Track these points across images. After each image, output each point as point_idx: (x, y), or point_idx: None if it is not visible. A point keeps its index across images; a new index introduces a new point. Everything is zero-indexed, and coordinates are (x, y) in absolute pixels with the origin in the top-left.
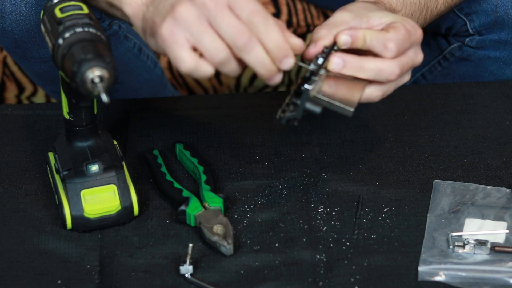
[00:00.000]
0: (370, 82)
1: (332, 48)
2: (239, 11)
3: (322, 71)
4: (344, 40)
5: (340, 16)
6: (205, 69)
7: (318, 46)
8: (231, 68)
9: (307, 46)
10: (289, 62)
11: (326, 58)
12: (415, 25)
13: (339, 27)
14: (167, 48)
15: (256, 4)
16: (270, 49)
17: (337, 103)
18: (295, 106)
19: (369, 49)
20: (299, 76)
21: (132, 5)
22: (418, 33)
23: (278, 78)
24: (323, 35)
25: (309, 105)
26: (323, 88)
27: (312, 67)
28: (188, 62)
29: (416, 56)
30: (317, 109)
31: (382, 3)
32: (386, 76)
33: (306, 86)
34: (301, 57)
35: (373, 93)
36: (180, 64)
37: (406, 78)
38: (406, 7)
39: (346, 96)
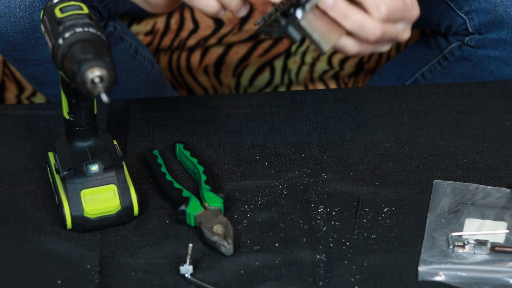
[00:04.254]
0: (348, 33)
1: None
2: None
3: (313, 1)
4: None
5: None
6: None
7: None
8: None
9: None
10: None
11: None
12: (415, 2)
13: None
14: None
15: None
16: None
17: (318, 38)
18: (278, 25)
19: (361, 2)
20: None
21: None
22: (415, 12)
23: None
24: None
25: (291, 30)
26: (308, 17)
27: None
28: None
29: (404, 32)
30: (297, 36)
31: None
32: (366, 34)
33: (298, 12)
34: None
35: (349, 45)
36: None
37: (385, 48)
38: None
39: (325, 35)
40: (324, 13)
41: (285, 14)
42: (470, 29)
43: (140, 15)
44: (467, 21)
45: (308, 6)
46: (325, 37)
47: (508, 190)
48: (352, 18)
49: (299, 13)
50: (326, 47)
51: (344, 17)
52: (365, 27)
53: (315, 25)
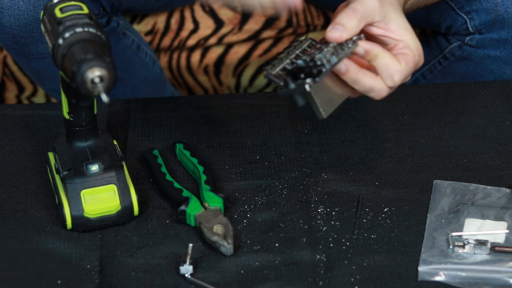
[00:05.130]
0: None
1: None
2: None
3: (327, 66)
4: (358, 50)
5: (370, 4)
6: None
7: (344, 36)
8: None
9: (330, 26)
10: None
11: (337, 55)
12: (422, 53)
13: (368, 18)
14: None
15: None
16: None
17: (318, 104)
18: (285, 84)
19: (375, 67)
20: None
21: None
22: (421, 62)
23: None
24: (352, 27)
25: (297, 96)
26: (315, 86)
27: (318, 57)
28: None
29: (407, 78)
30: (301, 102)
31: None
32: (374, 94)
33: (307, 85)
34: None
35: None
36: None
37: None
38: None
39: (328, 100)
40: (333, 73)
41: (294, 75)
42: (470, 29)
43: (142, 12)
44: (468, 21)
45: (319, 79)
46: (327, 103)
47: (508, 190)
48: (362, 83)
49: (307, 86)
50: (325, 114)
51: (354, 82)
52: (374, 90)
53: (320, 93)
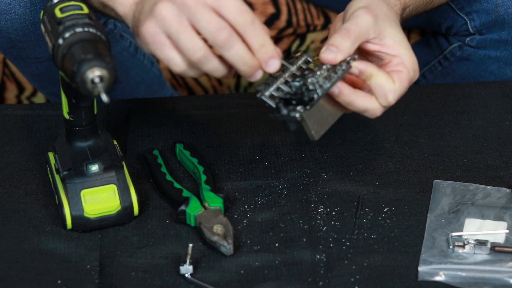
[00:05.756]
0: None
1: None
2: (225, 11)
3: (320, 92)
4: (352, 70)
5: (364, 22)
6: (194, 72)
7: (338, 58)
8: (213, 66)
9: (324, 47)
10: (275, 64)
11: (330, 80)
12: (417, 67)
13: (362, 37)
14: (155, 50)
15: (243, 5)
16: (255, 49)
17: (310, 127)
18: (278, 110)
19: (369, 86)
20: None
21: (124, 4)
22: (416, 76)
23: (259, 75)
24: (346, 48)
25: (289, 122)
26: (307, 112)
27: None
28: (180, 64)
29: (401, 95)
30: (292, 127)
31: (401, 1)
32: (368, 114)
33: (297, 114)
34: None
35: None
36: (171, 65)
37: None
38: (415, 2)
39: (320, 121)
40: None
41: (286, 101)
42: (471, 30)
43: None
44: (468, 21)
45: (310, 107)
46: (319, 124)
47: (508, 190)
48: (356, 104)
49: (298, 115)
50: (317, 136)
51: (348, 103)
52: (368, 110)
53: (312, 116)
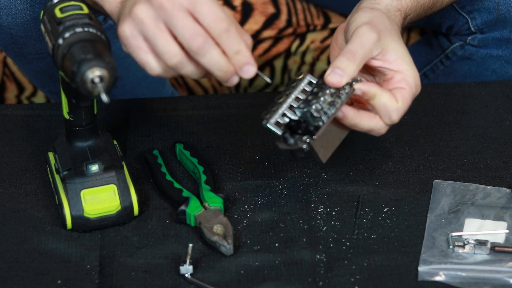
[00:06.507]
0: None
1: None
2: (201, 17)
3: (325, 120)
4: (355, 92)
5: (368, 41)
6: (170, 74)
7: (343, 81)
8: (189, 71)
9: (330, 70)
10: (250, 71)
11: (334, 106)
12: (419, 82)
13: (367, 58)
14: (132, 52)
15: (220, 12)
16: (231, 55)
17: (317, 152)
18: (284, 140)
19: (372, 105)
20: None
21: (111, 2)
22: (419, 91)
23: (235, 80)
24: (351, 72)
25: (295, 152)
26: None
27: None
28: (155, 68)
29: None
30: (299, 155)
31: (401, 11)
32: (373, 133)
33: (305, 140)
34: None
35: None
36: (147, 69)
37: None
38: (416, 10)
39: (326, 144)
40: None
41: (292, 129)
42: (472, 29)
43: None
44: (469, 20)
45: (316, 136)
46: (325, 147)
47: (508, 190)
48: (361, 126)
49: (305, 146)
50: (324, 160)
51: (353, 126)
52: (373, 130)
53: (318, 141)
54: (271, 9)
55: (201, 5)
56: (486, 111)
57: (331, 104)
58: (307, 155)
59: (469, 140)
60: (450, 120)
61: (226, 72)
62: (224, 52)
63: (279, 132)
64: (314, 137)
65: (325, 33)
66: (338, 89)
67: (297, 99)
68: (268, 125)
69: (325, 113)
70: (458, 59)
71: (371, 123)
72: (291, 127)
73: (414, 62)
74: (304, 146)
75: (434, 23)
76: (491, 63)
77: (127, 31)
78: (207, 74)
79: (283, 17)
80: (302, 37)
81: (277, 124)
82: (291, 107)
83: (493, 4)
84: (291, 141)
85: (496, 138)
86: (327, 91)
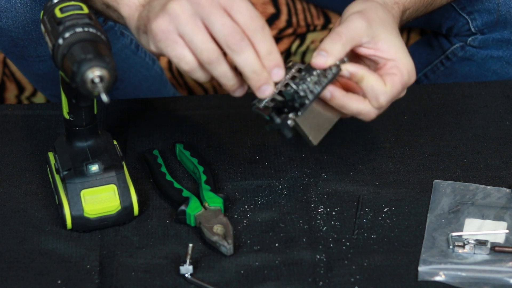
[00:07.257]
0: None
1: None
2: (237, 15)
3: (310, 97)
4: (343, 73)
5: (356, 26)
6: (202, 73)
7: (328, 62)
8: (222, 71)
9: (315, 53)
10: (279, 73)
11: (320, 84)
12: (413, 70)
13: (354, 41)
14: (166, 47)
15: (255, 11)
16: (262, 55)
17: (307, 133)
18: (271, 121)
19: (361, 88)
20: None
21: (130, 5)
22: (412, 80)
23: (268, 91)
24: (336, 52)
25: (284, 129)
26: (301, 117)
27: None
28: (191, 62)
29: (399, 96)
30: (289, 134)
31: (399, 4)
32: (362, 117)
33: (290, 120)
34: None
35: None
36: (182, 63)
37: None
38: (415, 4)
39: (317, 127)
40: (320, 99)
41: (279, 110)
42: (472, 29)
43: None
44: (470, 21)
45: (301, 112)
46: (316, 130)
47: (508, 190)
48: (349, 107)
49: (290, 122)
50: (316, 141)
51: (341, 107)
52: (362, 113)
53: (307, 121)
54: (271, 9)
55: (238, 3)
56: (486, 111)
57: (317, 83)
58: (297, 135)
59: (469, 140)
60: (450, 120)
61: (259, 75)
62: (256, 53)
63: (266, 116)
64: (299, 113)
65: (325, 33)
66: (324, 70)
67: (286, 85)
68: (255, 110)
69: (311, 91)
70: (459, 60)
71: (359, 105)
72: (278, 108)
73: (414, 62)
74: (289, 121)
75: (434, 23)
76: (492, 64)
77: (162, 26)
78: (239, 83)
79: (283, 17)
80: (302, 37)
81: (266, 109)
82: (280, 92)
83: (494, 5)
84: (278, 120)
85: (496, 138)
86: (314, 73)
